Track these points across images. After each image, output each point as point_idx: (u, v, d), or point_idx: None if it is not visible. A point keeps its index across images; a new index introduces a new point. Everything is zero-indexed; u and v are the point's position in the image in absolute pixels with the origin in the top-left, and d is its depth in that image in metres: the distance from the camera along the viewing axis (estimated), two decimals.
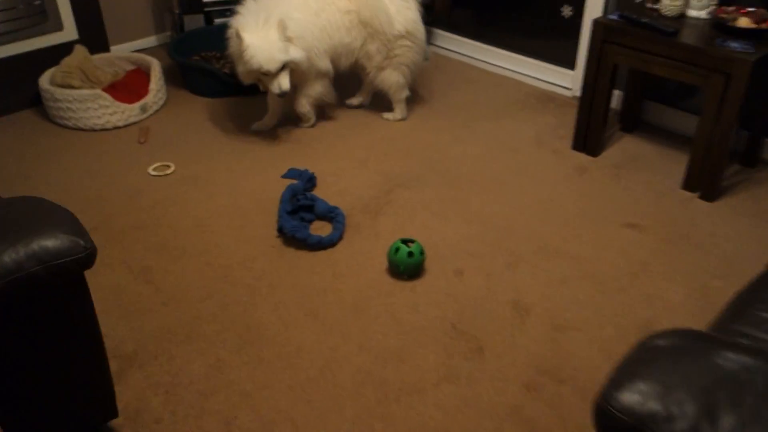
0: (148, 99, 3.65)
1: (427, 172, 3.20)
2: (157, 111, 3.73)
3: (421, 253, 2.51)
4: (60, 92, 3.44)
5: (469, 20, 4.62)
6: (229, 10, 4.18)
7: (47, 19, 3.82)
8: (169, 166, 3.22)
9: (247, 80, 3.18)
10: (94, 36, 4.03)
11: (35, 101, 3.71)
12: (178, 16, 4.18)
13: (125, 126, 3.58)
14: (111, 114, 3.51)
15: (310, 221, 2.85)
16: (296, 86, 3.33)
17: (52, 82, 3.62)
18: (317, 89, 3.41)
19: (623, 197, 3.01)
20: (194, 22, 4.22)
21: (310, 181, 3.05)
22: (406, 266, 2.49)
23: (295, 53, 3.09)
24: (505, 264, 2.61)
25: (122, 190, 3.06)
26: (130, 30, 4.41)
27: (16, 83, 3.71)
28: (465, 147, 3.41)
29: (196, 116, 3.70)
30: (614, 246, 2.71)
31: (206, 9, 4.18)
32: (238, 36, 3.00)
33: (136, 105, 3.58)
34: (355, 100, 3.79)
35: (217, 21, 4.26)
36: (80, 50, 3.80)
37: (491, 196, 3.02)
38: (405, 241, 2.52)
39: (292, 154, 3.33)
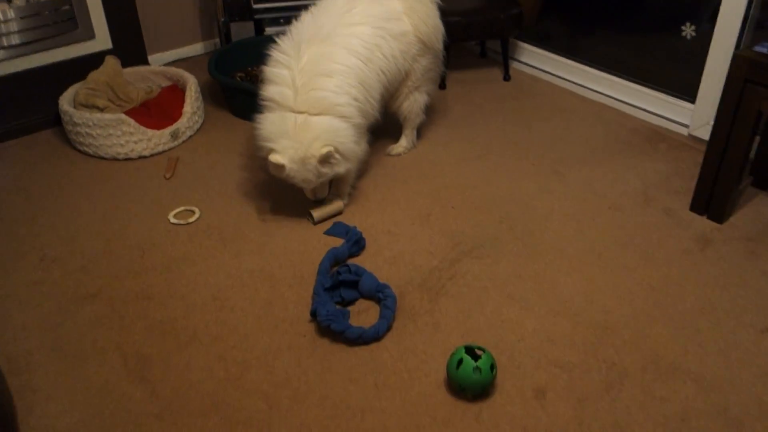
0: (181, 124, 3.14)
1: (503, 234, 2.56)
2: (191, 137, 3.23)
3: (492, 367, 1.90)
4: (79, 115, 2.97)
5: (560, 32, 3.91)
6: (283, 18, 3.63)
7: (77, 27, 3.37)
8: (193, 212, 2.70)
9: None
10: (130, 45, 3.56)
11: (57, 121, 3.26)
12: (223, 24, 3.65)
13: (152, 155, 3.08)
14: (136, 142, 3.02)
15: (353, 301, 2.27)
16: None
17: (76, 101, 3.17)
18: (352, 175, 2.74)
19: (762, 286, 2.30)
20: (243, 30, 3.69)
21: (357, 243, 2.46)
22: (471, 385, 1.88)
23: (340, 168, 2.52)
24: (603, 384, 1.96)
25: (135, 242, 2.55)
26: (173, 37, 3.93)
27: (38, 99, 3.28)
28: (553, 201, 2.75)
29: (235, 145, 3.17)
30: (753, 364, 2.02)
31: (257, 16, 3.64)
32: (272, 158, 2.42)
33: (167, 131, 3.08)
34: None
35: (269, 30, 3.71)
36: (110, 63, 3.33)
37: (585, 276, 2.36)
38: (471, 350, 1.91)
39: None
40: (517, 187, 2.85)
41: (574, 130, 3.26)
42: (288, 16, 3.57)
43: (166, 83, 3.44)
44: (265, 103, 2.51)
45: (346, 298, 2.25)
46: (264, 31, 3.72)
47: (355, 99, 2.51)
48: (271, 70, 2.52)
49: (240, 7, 3.64)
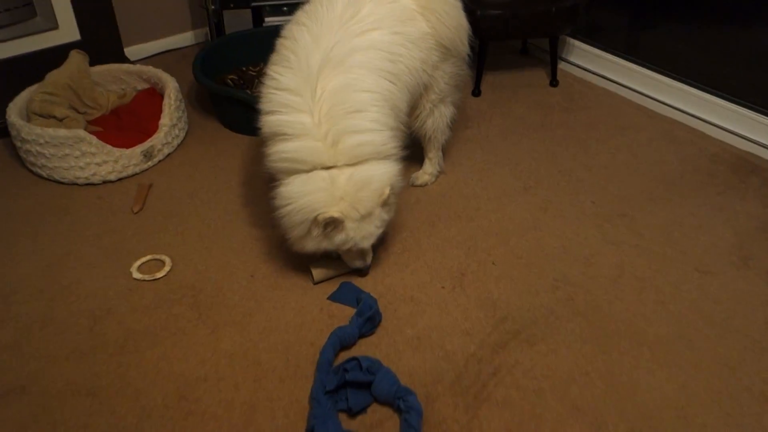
0: (156, 140, 2.55)
1: (560, 305, 1.97)
2: (169, 155, 2.63)
3: None
4: (28, 130, 2.39)
5: (619, 27, 3.26)
6: (286, 5, 3.01)
7: (35, 14, 2.76)
8: (162, 263, 2.13)
9: (305, 251, 1.97)
10: (102, 36, 2.95)
11: (6, 131, 2.67)
12: (213, 13, 3.03)
13: (119, 180, 2.50)
14: (99, 164, 2.43)
15: (364, 408, 1.69)
16: None
17: (29, 110, 2.58)
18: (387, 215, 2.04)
19: None
20: (238, 20, 3.07)
21: (371, 321, 1.88)
22: None
23: (392, 212, 2.01)
24: None
25: (86, 307, 1.99)
26: (156, 25, 3.31)
27: None
28: (621, 257, 2.14)
29: (223, 164, 2.58)
30: None
31: (254, 3, 3.02)
32: (324, 216, 1.83)
33: (138, 150, 2.49)
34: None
35: (269, 20, 3.09)
36: (75, 60, 2.73)
37: (674, 376, 1.77)
38: None
39: None
40: (574, 235, 2.24)
41: (640, 155, 2.64)
42: (292, 3, 2.96)
43: (142, 86, 2.84)
44: (282, 162, 1.87)
45: (354, 408, 1.67)
46: (263, 21, 3.10)
47: (393, 129, 1.93)
48: (280, 120, 1.87)
49: None
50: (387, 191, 1.85)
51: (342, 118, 1.83)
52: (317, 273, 2.04)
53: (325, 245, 1.90)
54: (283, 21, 3.04)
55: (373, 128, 1.86)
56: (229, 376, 1.78)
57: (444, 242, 2.21)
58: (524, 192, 2.44)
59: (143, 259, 2.14)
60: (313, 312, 1.96)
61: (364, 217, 1.86)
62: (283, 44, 1.99)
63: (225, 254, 2.17)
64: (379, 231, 1.94)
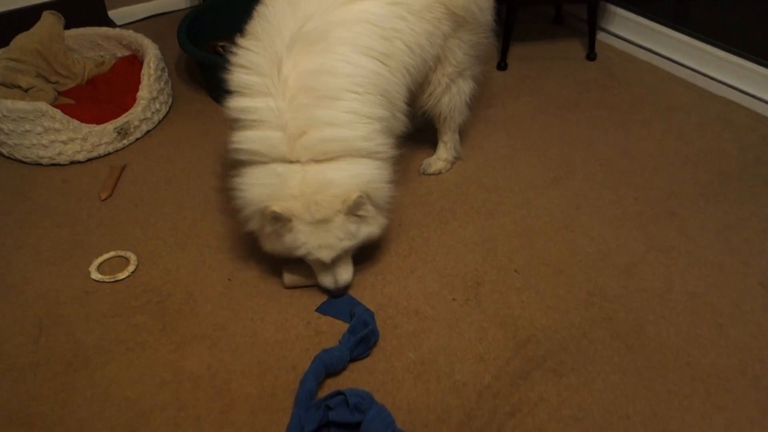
0: (133, 116, 2.23)
1: (596, 327, 1.63)
2: (149, 132, 2.32)
3: None
4: None
5: None
6: None
7: None
8: (127, 261, 1.82)
9: (275, 253, 1.66)
10: None
11: None
12: None
13: (89, 161, 2.19)
14: (65, 142, 2.12)
15: None
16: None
17: None
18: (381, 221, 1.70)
19: None
20: None
21: (364, 342, 1.55)
22: None
23: (372, 226, 1.63)
24: None
25: (33, 313, 1.69)
26: None
27: None
28: (670, 266, 1.79)
29: (210, 144, 2.26)
30: None
31: None
32: (270, 210, 1.51)
33: (110, 126, 2.17)
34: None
35: None
36: (47, 22, 2.42)
37: (733, 420, 1.42)
38: None
39: None
40: (614, 238, 1.89)
41: (691, 141, 2.26)
42: None
43: (123, 52, 2.52)
44: (239, 153, 1.58)
45: None
46: None
47: (380, 120, 1.58)
48: (240, 103, 1.55)
49: None
50: (353, 197, 1.51)
51: (310, 107, 1.50)
52: (288, 277, 1.72)
53: (279, 247, 1.59)
54: None
55: (348, 120, 1.52)
56: (192, 404, 1.47)
57: (458, 243, 1.88)
58: (554, 184, 2.09)
59: (105, 256, 1.84)
60: (297, 327, 1.64)
61: (321, 222, 1.53)
62: (258, 11, 1.65)
63: (200, 252, 1.85)
64: (346, 245, 1.59)
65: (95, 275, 1.78)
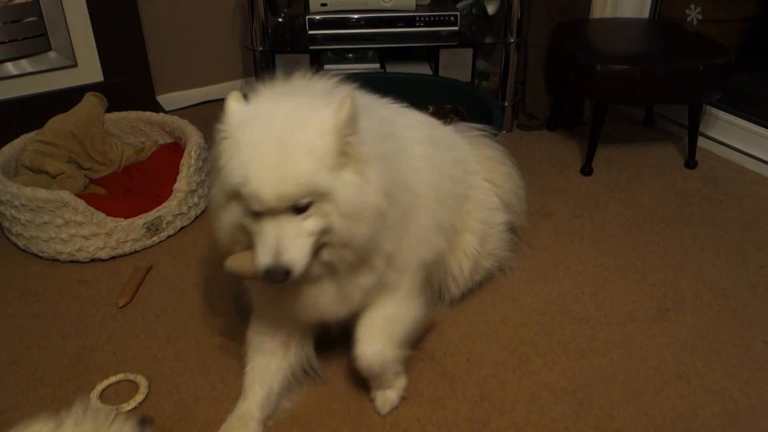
0: (166, 210, 1.96)
1: None
2: (183, 229, 2.05)
3: None
4: (3, 188, 1.86)
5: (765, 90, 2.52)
6: (352, 52, 2.45)
7: (49, 47, 2.29)
8: (136, 386, 1.50)
9: (217, 219, 1.23)
10: (130, 79, 2.46)
11: None
12: (261, 56, 2.49)
13: (113, 259, 1.92)
14: (87, 237, 1.86)
15: None
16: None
17: (19, 161, 2.06)
18: (406, 319, 1.40)
19: None
20: (293, 65, 2.50)
21: None
22: None
23: (351, 188, 1.15)
24: None
25: None
26: (199, 69, 2.80)
27: None
28: None
29: None
30: None
31: (312, 47, 2.46)
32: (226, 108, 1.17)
33: (140, 221, 1.91)
34: None
35: (329, 67, 2.53)
36: (88, 104, 2.24)
37: None
38: None
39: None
40: (743, 396, 1.48)
41: None
42: (359, 48, 2.39)
43: (164, 139, 2.29)
44: None
45: None
46: (322, 67, 2.53)
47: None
48: None
49: (289, 32, 2.48)
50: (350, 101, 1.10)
51: None
52: (232, 260, 1.24)
53: (221, 185, 1.15)
54: (346, 70, 2.48)
55: None
56: None
57: (542, 390, 1.50)
58: (659, 317, 1.70)
59: (112, 380, 1.52)
60: None
61: (287, 113, 1.12)
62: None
63: (225, 381, 1.52)
64: (311, 180, 1.08)
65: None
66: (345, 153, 1.12)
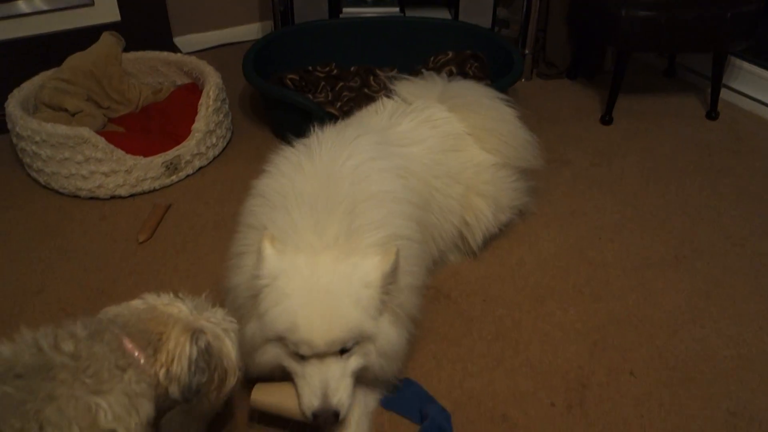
0: (185, 149, 1.97)
1: None
2: (201, 169, 2.05)
3: None
4: (23, 124, 1.86)
5: None
6: None
7: None
8: None
9: (254, 356, 1.21)
10: (147, 20, 2.44)
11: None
12: (279, 0, 2.46)
13: (132, 196, 1.93)
14: (107, 174, 1.88)
15: None
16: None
17: (38, 98, 2.07)
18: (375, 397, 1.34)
19: None
20: (312, 9, 2.48)
21: None
22: None
23: (389, 329, 1.19)
24: None
25: None
26: (217, 11, 2.77)
27: None
28: None
29: None
30: None
31: None
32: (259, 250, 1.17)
33: (159, 159, 1.92)
34: None
35: (348, 11, 2.49)
36: (106, 43, 2.23)
37: None
38: None
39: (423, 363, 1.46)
40: (758, 341, 1.49)
41: None
42: None
43: (182, 80, 2.29)
44: None
45: None
46: (340, 11, 2.50)
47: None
48: None
49: None
50: (393, 254, 1.14)
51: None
52: (258, 392, 1.23)
53: (261, 330, 1.15)
54: (365, 14, 2.45)
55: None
56: None
57: (557, 330, 1.51)
58: (676, 264, 1.71)
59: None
60: None
61: (329, 269, 1.13)
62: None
63: None
64: (360, 328, 1.12)
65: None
66: (384, 302, 1.15)
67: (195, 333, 1.02)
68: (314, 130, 1.44)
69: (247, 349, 1.19)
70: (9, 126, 1.95)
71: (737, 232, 1.81)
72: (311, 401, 1.13)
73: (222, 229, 1.81)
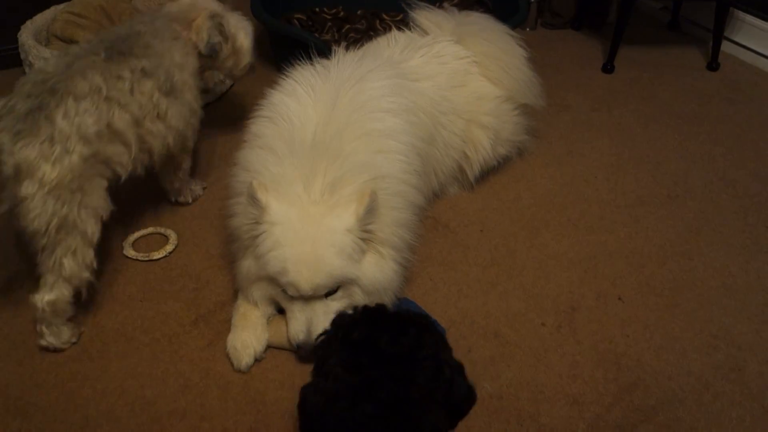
0: None
1: (720, 378, 1.31)
2: (207, 105, 2.09)
3: None
4: (36, 53, 1.91)
5: None
6: None
7: None
8: (166, 239, 1.60)
9: (249, 288, 1.34)
10: None
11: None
12: None
13: None
14: None
15: None
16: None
17: (50, 31, 2.11)
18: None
19: None
20: None
21: None
22: None
23: (373, 269, 1.29)
24: None
25: None
26: None
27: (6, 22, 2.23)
28: None
29: None
30: None
31: None
32: (253, 197, 1.25)
33: None
34: None
35: None
36: None
37: None
38: None
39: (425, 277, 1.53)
40: (742, 272, 1.55)
41: None
42: None
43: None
44: None
45: None
46: None
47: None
48: None
49: None
50: (367, 196, 1.23)
51: None
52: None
53: (260, 269, 1.28)
54: None
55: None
56: (218, 414, 1.22)
57: (550, 259, 1.57)
58: (669, 202, 1.76)
59: (143, 232, 1.62)
60: None
61: (315, 218, 1.24)
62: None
63: None
64: (339, 272, 1.24)
65: (128, 251, 1.55)
66: (366, 240, 1.26)
67: (212, 14, 1.57)
68: (333, 54, 1.50)
69: (242, 282, 1.33)
70: (22, 56, 2.00)
71: (730, 175, 1.86)
72: (297, 334, 1.28)
73: (228, 158, 1.86)
